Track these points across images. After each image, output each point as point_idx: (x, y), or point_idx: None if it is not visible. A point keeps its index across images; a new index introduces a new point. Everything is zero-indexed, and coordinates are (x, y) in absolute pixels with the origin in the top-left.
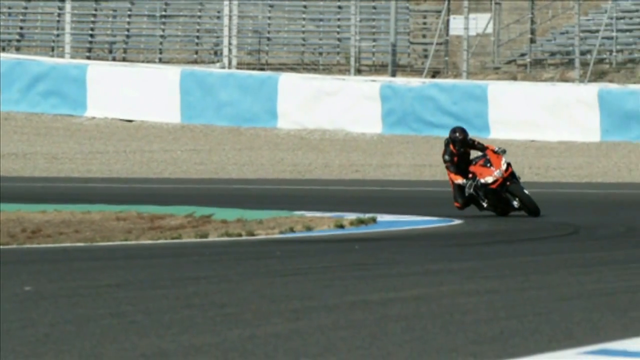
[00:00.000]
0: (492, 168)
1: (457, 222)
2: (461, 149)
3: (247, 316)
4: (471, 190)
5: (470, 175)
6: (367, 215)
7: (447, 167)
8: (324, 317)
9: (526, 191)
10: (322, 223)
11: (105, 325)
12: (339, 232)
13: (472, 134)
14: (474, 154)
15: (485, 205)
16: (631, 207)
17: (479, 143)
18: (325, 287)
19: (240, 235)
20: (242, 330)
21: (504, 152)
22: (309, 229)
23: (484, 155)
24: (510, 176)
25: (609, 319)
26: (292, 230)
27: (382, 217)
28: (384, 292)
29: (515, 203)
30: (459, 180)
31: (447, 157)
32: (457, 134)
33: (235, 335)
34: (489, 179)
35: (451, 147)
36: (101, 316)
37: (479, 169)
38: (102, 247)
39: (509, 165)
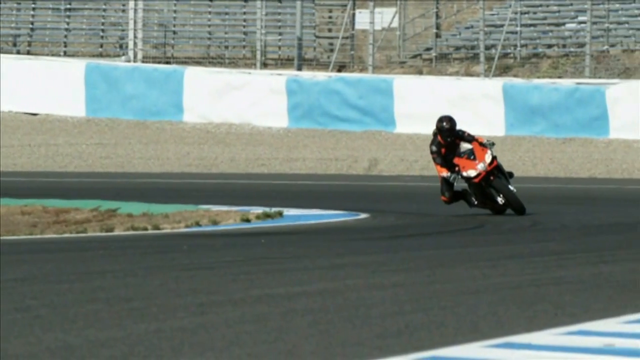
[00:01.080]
0: (475, 161)
1: (363, 216)
2: (448, 139)
3: (153, 310)
4: (455, 183)
5: (456, 169)
6: (273, 209)
7: (433, 159)
8: (230, 311)
9: (512, 187)
10: (228, 217)
11: (9, 319)
12: (245, 226)
13: (378, 128)
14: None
15: (475, 202)
16: (535, 201)
17: (468, 134)
18: (231, 281)
19: (146, 229)
20: (147, 325)
21: (491, 145)
22: (215, 223)
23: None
24: (496, 170)
25: (514, 313)
26: (198, 224)
27: (288, 211)
28: (289, 286)
29: (500, 199)
30: (444, 173)
31: (433, 148)
32: (444, 124)
33: (141, 330)
34: (472, 173)
35: (439, 137)
36: (5, 310)
37: (463, 161)
38: (6, 241)
39: (494, 158)
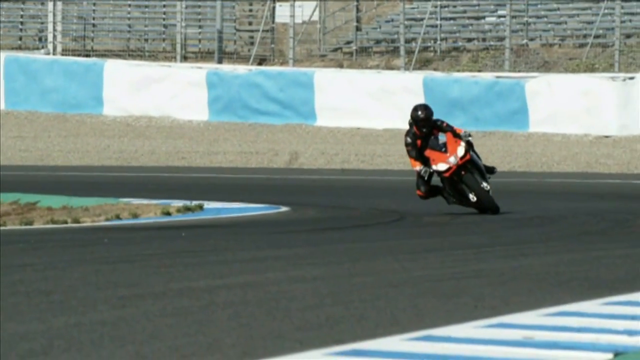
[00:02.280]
0: (446, 154)
1: (283, 209)
2: (424, 130)
3: (73, 303)
4: (426, 177)
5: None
6: (194, 203)
7: (407, 152)
8: (151, 304)
9: (485, 184)
10: (149, 210)
11: None
12: (166, 219)
13: (299, 122)
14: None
15: (453, 199)
16: None
17: (447, 125)
18: (151, 274)
19: (66, 222)
20: (68, 318)
21: (467, 136)
22: (135, 216)
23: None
24: (469, 165)
25: (434, 305)
26: (118, 217)
27: (208, 205)
28: (210, 279)
29: (472, 196)
30: (418, 166)
31: (408, 140)
32: (419, 113)
33: (61, 323)
34: (442, 166)
35: (414, 128)
36: None
37: (434, 154)
38: None
39: (467, 152)
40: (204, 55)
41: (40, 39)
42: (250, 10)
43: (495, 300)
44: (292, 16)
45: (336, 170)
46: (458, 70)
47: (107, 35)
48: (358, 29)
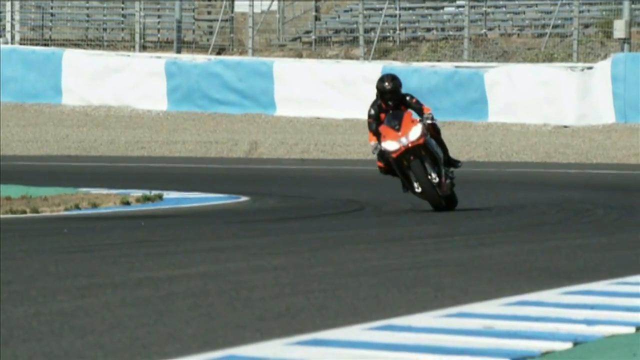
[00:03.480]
0: (399, 133)
1: (243, 199)
2: (390, 103)
3: (32, 293)
4: (375, 154)
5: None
6: (153, 192)
7: (368, 125)
8: (110, 294)
9: (434, 176)
10: (108, 200)
11: None
12: (125, 209)
13: (258, 111)
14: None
15: (416, 186)
16: None
17: (416, 102)
18: (111, 264)
19: (24, 212)
20: (27, 308)
21: (427, 119)
22: (94, 206)
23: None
24: (422, 151)
25: (394, 295)
26: (77, 207)
27: (168, 194)
28: (170, 269)
29: (417, 186)
30: (373, 142)
31: (371, 112)
32: (385, 83)
33: (20, 313)
34: (390, 145)
35: (381, 101)
36: None
37: (386, 130)
38: None
39: (422, 136)
40: (162, 45)
41: None
42: (209, 0)
43: (455, 290)
44: (252, 5)
45: (296, 160)
46: (417, 60)
47: (66, 25)
48: (317, 18)
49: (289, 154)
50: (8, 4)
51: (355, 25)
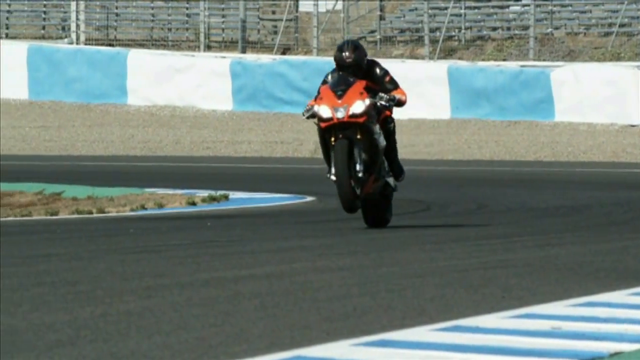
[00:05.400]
0: (338, 100)
1: (309, 199)
2: (351, 80)
3: (99, 294)
4: (305, 116)
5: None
6: (219, 193)
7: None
8: (177, 294)
9: (359, 168)
10: (174, 200)
11: None
12: (191, 209)
13: None
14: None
15: (332, 172)
16: (481, 184)
17: (391, 80)
18: (177, 264)
19: (91, 212)
20: (94, 308)
21: (382, 99)
22: (160, 206)
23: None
24: (353, 134)
25: (461, 296)
26: (143, 207)
27: (234, 195)
28: (236, 269)
29: (332, 172)
30: (312, 104)
31: (328, 77)
32: (345, 54)
33: (87, 313)
34: (323, 112)
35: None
36: None
37: (326, 92)
38: None
39: (364, 114)
40: (227, 45)
41: (63, 28)
42: None
43: (522, 291)
44: (316, 5)
45: None
46: (483, 60)
47: (131, 25)
48: (382, 17)
49: None
50: (73, 4)
51: (420, 25)
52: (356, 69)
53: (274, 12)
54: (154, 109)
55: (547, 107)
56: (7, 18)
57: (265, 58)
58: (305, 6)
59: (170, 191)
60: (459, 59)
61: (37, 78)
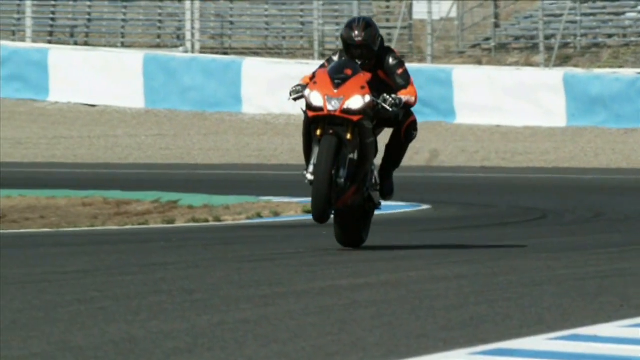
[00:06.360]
0: (335, 90)
1: (425, 207)
2: (359, 62)
3: (215, 302)
4: (292, 97)
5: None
6: None
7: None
8: (293, 302)
9: (342, 173)
10: (290, 208)
11: (73, 311)
12: (307, 217)
13: (438, 119)
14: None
15: (309, 171)
16: (598, 192)
17: (403, 73)
18: (293, 272)
19: (207, 220)
20: (211, 316)
21: (393, 105)
22: (276, 214)
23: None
24: (348, 129)
25: (579, 305)
26: (259, 215)
27: None
28: (352, 277)
29: (310, 171)
30: (305, 83)
31: (332, 58)
32: (355, 32)
33: (204, 321)
34: (314, 98)
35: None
36: (69, 302)
37: (323, 77)
38: (68, 232)
39: (361, 112)
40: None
41: (178, 37)
42: (388, 7)
43: None
44: (430, 12)
45: (476, 168)
46: (598, 67)
47: (245, 33)
48: (496, 25)
49: (469, 162)
50: (188, 12)
51: (535, 32)
52: (366, 51)
53: (387, 20)
54: (269, 117)
55: None
56: (123, 27)
57: None
58: (419, 14)
59: (285, 199)
60: (575, 66)
61: (152, 87)
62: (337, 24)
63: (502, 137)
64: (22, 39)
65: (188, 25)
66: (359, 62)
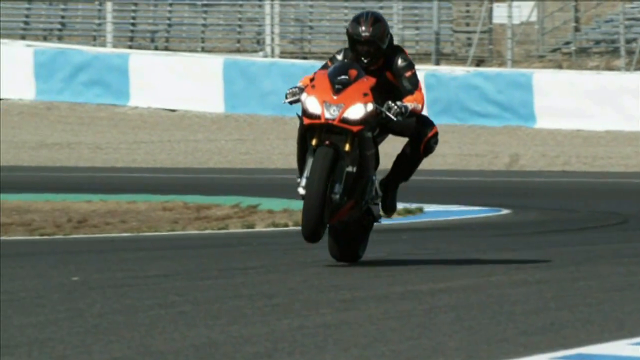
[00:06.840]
0: (334, 96)
1: (505, 211)
2: (365, 60)
3: (295, 306)
4: (288, 100)
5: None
6: (414, 205)
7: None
8: (373, 307)
9: (337, 189)
10: None
11: (153, 315)
12: (386, 222)
13: (518, 123)
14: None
15: (302, 183)
16: None
17: (412, 75)
18: (373, 277)
19: (287, 225)
20: (291, 321)
21: (398, 114)
22: None
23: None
24: (346, 140)
25: None
26: None
27: (429, 207)
28: (432, 282)
29: (304, 183)
30: (304, 86)
31: (336, 56)
32: (362, 28)
33: (284, 326)
34: (311, 105)
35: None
36: (149, 307)
37: (322, 81)
38: (148, 237)
39: (361, 122)
40: (421, 57)
41: (258, 42)
42: (467, 11)
43: None
44: (510, 16)
45: (557, 172)
46: None
47: (324, 38)
48: (577, 29)
49: (550, 167)
50: (268, 17)
51: (616, 36)
52: (373, 48)
53: (467, 24)
54: None
55: None
56: (203, 32)
57: (459, 70)
58: (499, 18)
59: None
60: None
61: (232, 91)
62: (417, 28)
63: (583, 141)
64: (103, 44)
65: (268, 29)
66: (365, 61)
